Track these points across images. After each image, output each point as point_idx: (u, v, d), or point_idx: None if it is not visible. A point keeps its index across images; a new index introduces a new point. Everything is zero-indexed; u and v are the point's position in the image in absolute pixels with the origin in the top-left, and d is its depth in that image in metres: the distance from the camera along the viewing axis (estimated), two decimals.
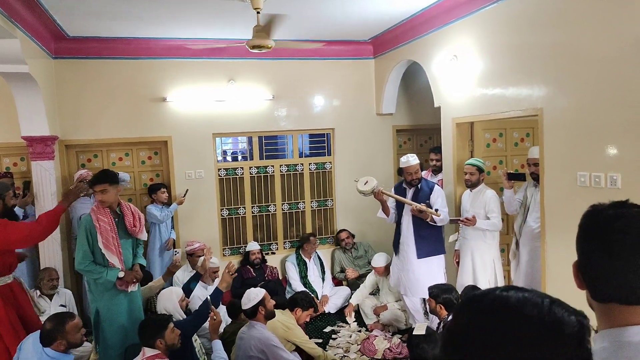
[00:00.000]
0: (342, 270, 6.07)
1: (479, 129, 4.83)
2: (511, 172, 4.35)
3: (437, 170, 5.43)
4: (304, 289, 5.63)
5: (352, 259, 6.15)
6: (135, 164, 5.89)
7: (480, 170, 4.34)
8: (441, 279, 4.48)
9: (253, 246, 5.89)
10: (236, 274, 3.77)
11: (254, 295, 3.54)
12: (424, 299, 4.50)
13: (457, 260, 4.60)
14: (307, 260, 5.86)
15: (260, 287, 5.25)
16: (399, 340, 4.54)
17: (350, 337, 4.77)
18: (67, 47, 5.28)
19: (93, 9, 4.26)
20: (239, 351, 3.50)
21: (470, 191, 4.44)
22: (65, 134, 5.37)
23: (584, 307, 1.10)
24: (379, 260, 5.06)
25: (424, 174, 5.08)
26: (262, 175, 6.29)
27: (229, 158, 7.61)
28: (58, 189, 5.07)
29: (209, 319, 3.47)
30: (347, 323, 5.10)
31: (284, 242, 6.43)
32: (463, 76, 4.47)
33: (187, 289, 4.20)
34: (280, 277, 6.02)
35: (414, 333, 3.44)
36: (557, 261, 3.56)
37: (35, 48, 4.63)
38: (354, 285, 5.71)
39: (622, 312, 0.96)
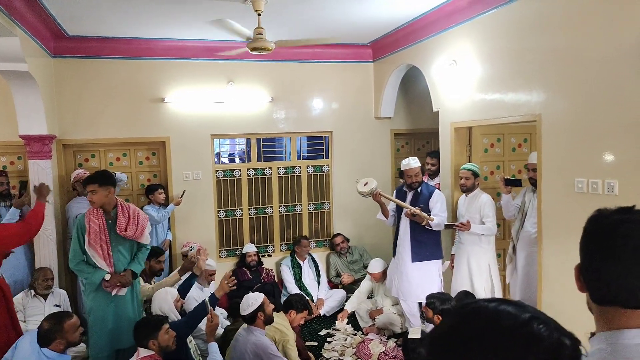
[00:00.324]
0: (338, 275, 6.07)
1: (477, 134, 4.84)
2: (508, 177, 4.37)
3: (433, 174, 5.45)
4: (299, 291, 5.63)
5: (347, 263, 6.15)
6: (133, 164, 5.88)
7: (475, 175, 4.37)
8: (437, 284, 4.49)
9: (249, 248, 5.88)
10: (235, 287, 3.74)
11: (253, 301, 3.51)
12: (420, 303, 4.50)
13: (452, 265, 4.61)
14: (301, 262, 5.86)
15: (257, 289, 5.27)
16: (394, 344, 4.53)
17: (346, 340, 4.76)
18: (66, 46, 5.28)
19: (93, 8, 4.26)
20: (234, 352, 3.49)
21: (466, 196, 4.47)
22: (63, 133, 5.36)
23: (580, 310, 1.10)
24: (375, 266, 5.06)
25: None
26: (259, 177, 6.29)
27: (224, 160, 7.60)
28: (55, 188, 5.06)
29: (206, 321, 3.45)
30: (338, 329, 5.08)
31: (281, 245, 6.42)
32: (462, 81, 4.49)
33: (183, 289, 4.17)
34: (277, 280, 6.00)
35: (409, 337, 3.44)
36: (553, 266, 3.57)
37: (35, 47, 4.62)
38: (349, 289, 5.71)
39: (622, 316, 0.97)
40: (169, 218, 5.61)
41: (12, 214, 4.47)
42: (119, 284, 3.37)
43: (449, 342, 0.75)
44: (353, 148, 6.38)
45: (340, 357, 4.41)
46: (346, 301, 5.45)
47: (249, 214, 6.27)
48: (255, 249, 5.93)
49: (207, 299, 3.46)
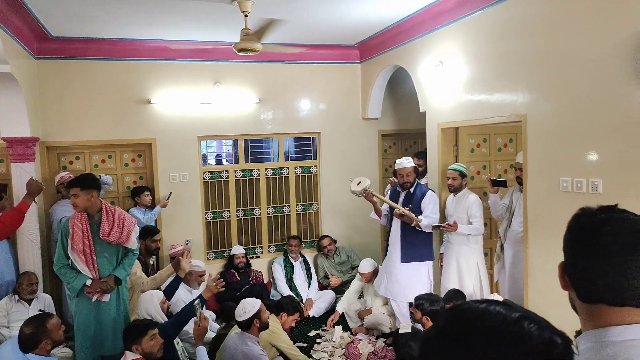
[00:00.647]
0: (326, 276, 6.06)
1: (463, 134, 4.88)
2: (494, 178, 4.42)
3: (421, 174, 5.47)
4: (289, 290, 5.62)
5: (334, 265, 6.15)
6: (119, 166, 5.81)
7: (462, 175, 4.40)
8: (427, 285, 4.51)
9: (237, 250, 5.85)
10: (223, 289, 3.70)
11: (249, 307, 3.47)
12: (410, 304, 4.52)
13: (441, 264, 4.64)
14: (293, 262, 5.86)
15: (245, 291, 5.25)
16: (383, 343, 4.54)
17: (335, 341, 4.75)
18: (50, 48, 5.19)
19: (77, 9, 4.20)
20: (224, 356, 3.46)
21: (454, 196, 4.50)
22: (46, 135, 5.27)
23: (566, 308, 1.11)
24: (365, 266, 5.07)
25: None
26: (247, 178, 6.26)
27: (211, 162, 7.55)
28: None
29: (193, 325, 3.41)
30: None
31: (269, 246, 6.40)
32: (448, 82, 4.52)
33: (169, 291, 4.11)
34: (265, 281, 5.98)
35: (400, 332, 3.44)
36: (539, 264, 3.61)
37: (18, 48, 4.54)
38: (339, 290, 5.70)
39: (607, 313, 0.98)
40: (155, 220, 5.55)
41: None
42: (99, 290, 3.31)
43: (440, 343, 0.75)
44: (341, 149, 6.39)
45: (329, 358, 4.41)
46: (336, 302, 5.45)
47: (237, 216, 6.24)
48: (244, 251, 5.90)
49: (197, 302, 3.42)
